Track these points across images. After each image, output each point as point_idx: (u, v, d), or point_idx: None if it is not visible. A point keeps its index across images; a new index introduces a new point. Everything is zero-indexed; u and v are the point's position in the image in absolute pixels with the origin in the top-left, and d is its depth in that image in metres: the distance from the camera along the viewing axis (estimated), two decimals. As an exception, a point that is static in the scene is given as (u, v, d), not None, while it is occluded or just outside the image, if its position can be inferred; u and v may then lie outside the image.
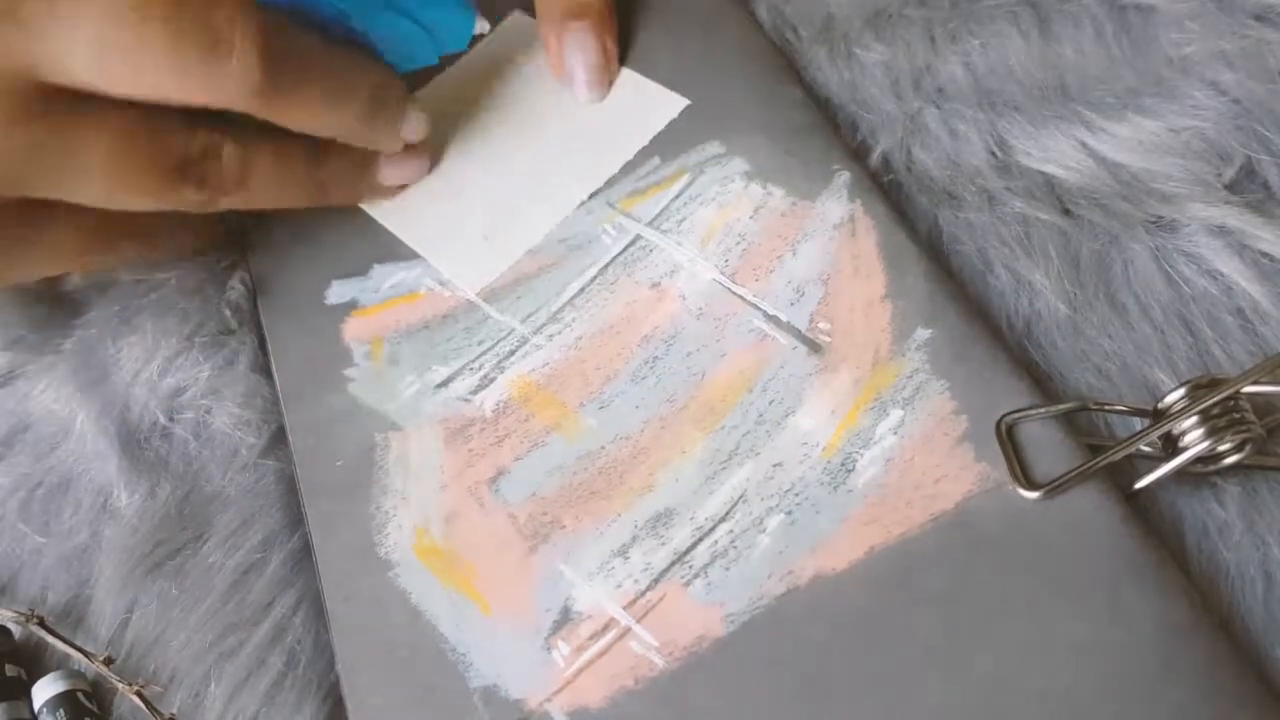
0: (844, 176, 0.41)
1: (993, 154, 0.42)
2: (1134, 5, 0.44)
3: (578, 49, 0.45)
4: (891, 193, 0.42)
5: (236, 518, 0.38)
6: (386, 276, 0.42)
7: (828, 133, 0.43)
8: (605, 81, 0.46)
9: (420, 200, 0.45)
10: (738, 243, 0.40)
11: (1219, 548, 0.32)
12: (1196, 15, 0.43)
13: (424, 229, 0.44)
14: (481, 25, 0.47)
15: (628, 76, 0.46)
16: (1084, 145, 0.41)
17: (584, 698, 0.31)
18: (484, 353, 0.39)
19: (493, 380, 0.39)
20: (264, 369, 0.42)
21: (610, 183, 0.43)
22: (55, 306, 0.44)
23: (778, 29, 0.48)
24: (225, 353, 0.42)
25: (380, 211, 0.44)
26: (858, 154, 0.43)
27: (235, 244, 0.45)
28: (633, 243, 0.41)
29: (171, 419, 0.40)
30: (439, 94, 0.47)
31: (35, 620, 0.36)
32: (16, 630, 0.36)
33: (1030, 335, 0.37)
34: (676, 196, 0.42)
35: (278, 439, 0.40)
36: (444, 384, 0.39)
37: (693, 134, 0.43)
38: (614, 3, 0.47)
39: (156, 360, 0.41)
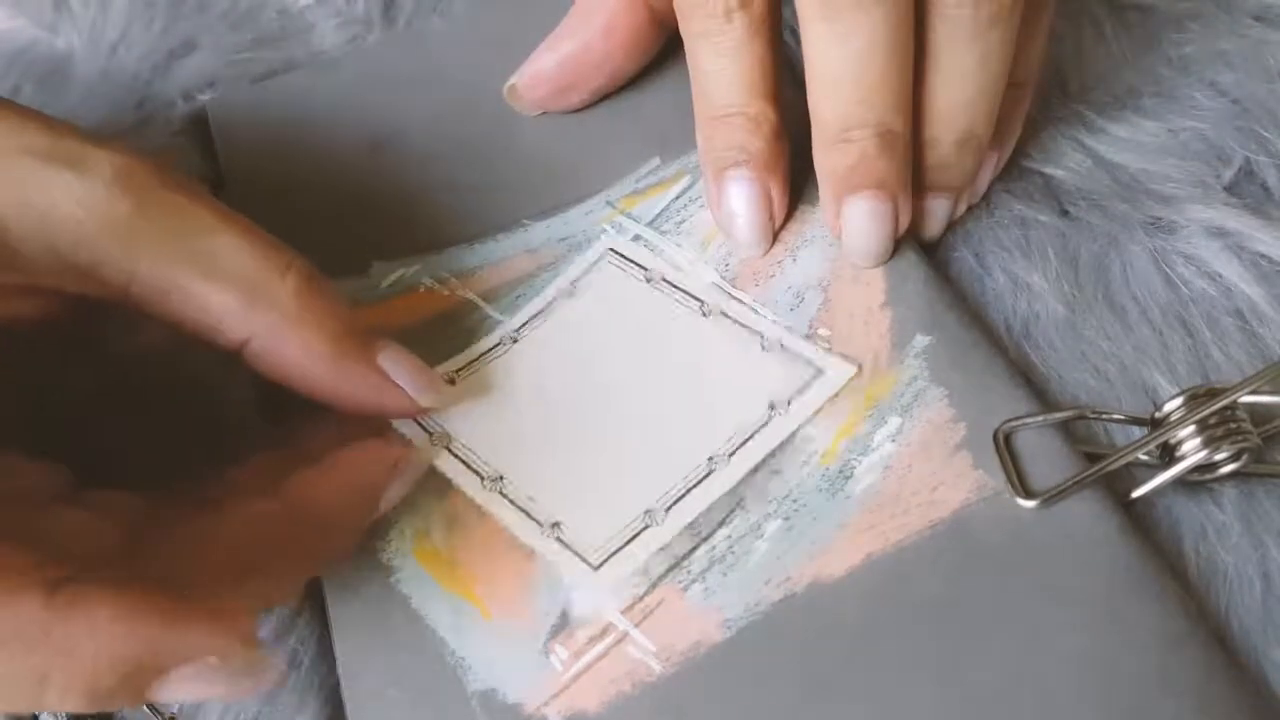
0: None
1: (991, 154, 0.42)
2: (1134, 4, 0.44)
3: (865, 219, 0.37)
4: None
5: (239, 518, 0.38)
6: (385, 274, 0.42)
7: None
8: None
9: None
10: None
11: (1216, 550, 0.32)
12: (1196, 15, 0.43)
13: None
14: None
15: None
16: (1083, 145, 0.41)
17: (581, 703, 0.31)
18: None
19: None
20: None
21: (611, 183, 0.43)
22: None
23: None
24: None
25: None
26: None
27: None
28: (632, 241, 0.41)
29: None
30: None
31: (36, 622, 0.36)
32: (17, 632, 0.36)
33: (1029, 336, 0.37)
34: (676, 197, 0.41)
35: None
36: None
37: (693, 135, 0.42)
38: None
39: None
